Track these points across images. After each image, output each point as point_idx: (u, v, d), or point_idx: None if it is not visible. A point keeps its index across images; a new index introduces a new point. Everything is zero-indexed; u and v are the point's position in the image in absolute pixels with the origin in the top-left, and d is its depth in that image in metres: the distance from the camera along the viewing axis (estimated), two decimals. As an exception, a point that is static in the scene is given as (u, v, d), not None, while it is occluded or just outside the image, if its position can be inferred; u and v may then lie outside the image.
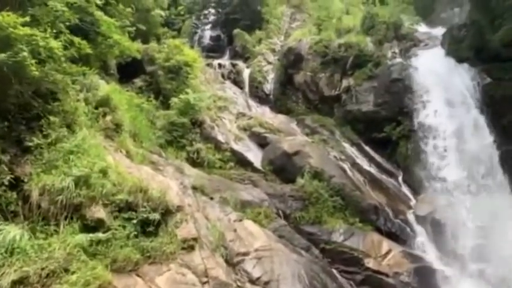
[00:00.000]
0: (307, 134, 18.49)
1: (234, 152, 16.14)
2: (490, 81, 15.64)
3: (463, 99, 16.01)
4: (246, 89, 23.61)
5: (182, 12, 30.89)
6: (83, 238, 7.72)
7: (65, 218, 8.01)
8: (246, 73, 24.30)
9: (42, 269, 6.88)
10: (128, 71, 18.13)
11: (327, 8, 25.81)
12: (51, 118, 9.05)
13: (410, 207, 15.00)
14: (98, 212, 8.38)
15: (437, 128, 16.07)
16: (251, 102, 22.41)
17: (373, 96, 18.35)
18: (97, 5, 13.15)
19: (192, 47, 24.50)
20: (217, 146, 16.11)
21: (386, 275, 11.96)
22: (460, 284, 12.25)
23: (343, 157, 16.74)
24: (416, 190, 15.77)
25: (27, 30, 8.38)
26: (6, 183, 7.74)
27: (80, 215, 8.22)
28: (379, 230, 13.35)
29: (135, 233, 8.54)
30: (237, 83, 24.06)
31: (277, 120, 19.86)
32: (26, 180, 8.12)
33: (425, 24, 21.79)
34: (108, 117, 11.81)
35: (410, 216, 14.34)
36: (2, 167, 7.81)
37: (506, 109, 14.79)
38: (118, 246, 8.09)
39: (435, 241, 13.49)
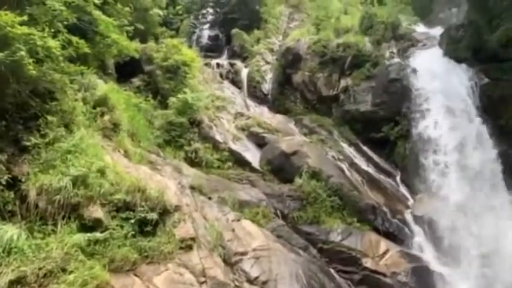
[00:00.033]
0: (305, 134, 18.51)
1: (232, 152, 16.15)
2: (487, 82, 15.67)
3: (464, 106, 15.70)
4: (244, 88, 23.59)
5: (180, 12, 30.86)
6: (81, 238, 7.70)
7: (63, 218, 8.00)
8: (244, 73, 24.26)
9: (40, 268, 6.87)
10: (126, 70, 18.11)
11: (325, 8, 25.84)
12: (49, 117, 9.03)
13: (408, 207, 15.02)
14: (96, 211, 8.36)
15: (438, 142, 15.50)
16: (249, 102, 22.40)
17: (371, 96, 18.37)
18: (95, 4, 13.11)
19: (190, 46, 24.48)
20: (216, 146, 16.11)
21: (384, 275, 11.97)
22: (458, 284, 12.28)
23: (341, 157, 16.76)
24: (414, 190, 15.75)
25: (25, 29, 8.35)
26: (4, 182, 7.74)
27: (78, 214, 8.20)
28: (376, 230, 13.37)
29: (133, 232, 8.52)
30: (235, 82, 24.04)
31: (275, 120, 19.88)
32: (23, 179, 8.11)
33: (423, 25, 21.80)
34: (106, 117, 11.79)
35: (408, 216, 14.36)
36: (0, 167, 7.79)
37: (503, 109, 14.83)
38: (116, 246, 8.07)
39: (433, 241, 13.52)
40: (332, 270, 11.94)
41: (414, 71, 17.37)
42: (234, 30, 27.48)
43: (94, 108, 11.59)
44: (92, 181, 8.60)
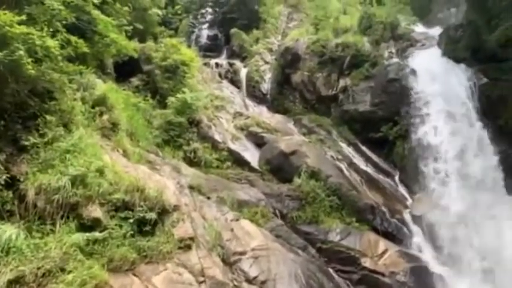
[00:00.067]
0: (304, 134, 18.53)
1: (231, 152, 16.14)
2: (486, 82, 15.69)
3: (465, 110, 15.55)
4: (243, 88, 23.61)
5: (179, 12, 30.86)
6: (80, 237, 7.69)
7: (61, 217, 7.98)
8: (243, 72, 24.28)
9: (38, 268, 6.85)
10: (125, 70, 18.10)
11: (324, 8, 25.82)
12: (48, 117, 9.02)
13: (406, 207, 15.03)
14: (95, 211, 8.35)
15: (438, 149, 15.29)
16: (248, 102, 22.41)
17: (370, 96, 18.38)
18: (94, 4, 13.08)
19: (189, 46, 24.49)
20: (214, 146, 16.11)
21: (383, 275, 11.99)
22: (456, 284, 12.29)
23: (340, 157, 16.78)
24: (412, 190, 15.77)
25: (23, 28, 8.33)
26: (2, 182, 7.72)
27: (77, 214, 8.18)
28: (375, 230, 13.37)
29: (132, 232, 8.51)
30: (234, 82, 24.06)
31: (274, 119, 19.88)
32: (22, 179, 8.09)
33: (422, 25, 21.81)
34: (105, 117, 11.76)
35: (407, 216, 14.37)
36: (-2, 166, 7.79)
37: (502, 109, 14.85)
38: (114, 246, 8.06)
39: (431, 241, 13.53)
40: (331, 270, 11.94)
41: (413, 72, 17.30)
42: (233, 30, 27.50)
43: (93, 107, 11.56)
44: (90, 181, 8.59)
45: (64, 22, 10.81)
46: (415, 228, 13.95)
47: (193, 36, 29.36)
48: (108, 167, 9.36)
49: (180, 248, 8.95)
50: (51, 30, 9.81)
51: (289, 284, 9.93)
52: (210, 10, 30.98)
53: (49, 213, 7.95)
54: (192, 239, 9.30)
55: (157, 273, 8.22)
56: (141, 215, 8.79)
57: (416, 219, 14.15)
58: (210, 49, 28.20)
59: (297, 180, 14.19)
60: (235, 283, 9.26)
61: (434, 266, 12.71)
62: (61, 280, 6.89)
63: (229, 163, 15.69)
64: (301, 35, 23.35)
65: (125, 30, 16.46)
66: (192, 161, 15.00)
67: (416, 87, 16.84)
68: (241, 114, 19.54)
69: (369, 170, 16.90)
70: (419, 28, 21.47)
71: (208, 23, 30.38)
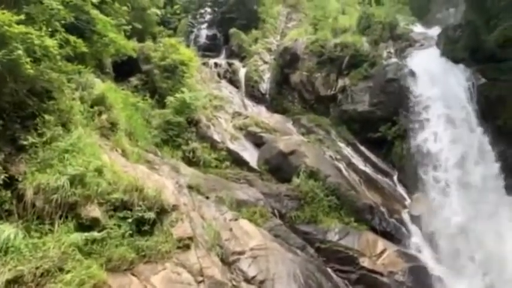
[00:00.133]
0: (303, 134, 18.53)
1: (229, 152, 16.14)
2: (485, 82, 15.67)
3: (465, 115, 15.39)
4: (242, 88, 23.60)
5: (178, 11, 30.81)
6: (78, 237, 7.69)
7: (60, 217, 7.98)
8: (242, 72, 24.27)
9: (37, 268, 6.85)
10: (124, 69, 18.08)
11: (323, 8, 25.79)
12: (46, 117, 9.02)
13: (405, 207, 15.03)
14: (93, 211, 8.36)
15: (438, 157, 15.01)
16: (247, 102, 22.41)
17: (369, 96, 18.38)
18: (93, 4, 13.09)
19: (188, 46, 24.41)
20: (213, 145, 16.10)
21: (381, 274, 12.00)
22: (455, 283, 12.31)
23: (338, 157, 16.79)
24: (411, 190, 15.77)
25: (22, 28, 8.34)
26: (1, 182, 7.72)
27: (75, 214, 8.18)
28: (374, 230, 13.37)
29: (131, 232, 8.51)
30: (233, 82, 24.05)
31: (273, 119, 19.87)
32: (20, 179, 8.09)
33: (420, 25, 21.80)
34: (104, 116, 11.77)
35: (405, 216, 14.37)
36: (-4, 166, 7.78)
37: (501, 110, 14.84)
38: (113, 245, 8.06)
39: (430, 240, 13.56)
40: (329, 270, 11.95)
41: (412, 73, 17.21)
42: (232, 30, 27.48)
43: (91, 107, 11.57)
44: (89, 180, 8.59)
45: (63, 22, 10.82)
46: (413, 228, 13.96)
47: (192, 36, 29.31)
48: (107, 166, 9.36)
49: (178, 247, 8.95)
50: (49, 29, 9.82)
51: (288, 283, 9.94)
52: (209, 10, 30.95)
53: (47, 213, 7.95)
54: (190, 238, 9.30)
55: (156, 272, 8.22)
56: (140, 214, 8.80)
57: (415, 219, 14.17)
58: (209, 49, 28.17)
59: (296, 180, 14.19)
60: (234, 283, 9.27)
61: (433, 266, 12.72)
62: (59, 280, 6.89)
63: (228, 163, 15.68)
64: (300, 35, 23.33)
65: (124, 29, 16.49)
66: (191, 161, 15.00)
67: (416, 90, 16.73)
68: (240, 114, 19.54)
69: (368, 170, 16.91)
70: (418, 28, 21.47)
71: (207, 23, 30.34)
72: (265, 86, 23.36)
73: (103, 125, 11.62)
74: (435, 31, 19.61)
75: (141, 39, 21.45)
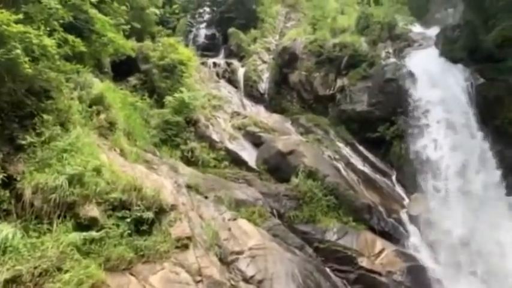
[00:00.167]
0: (301, 134, 18.55)
1: (228, 151, 16.14)
2: (483, 82, 15.71)
3: (465, 120, 15.25)
4: (241, 88, 23.62)
5: (177, 11, 30.83)
6: (76, 237, 7.68)
7: (58, 217, 7.98)
8: (240, 72, 24.29)
9: (35, 267, 6.84)
10: (122, 69, 18.06)
11: (322, 8, 25.85)
12: (45, 116, 9.02)
13: (403, 207, 15.06)
14: (92, 210, 8.35)
15: (438, 165, 14.79)
16: (246, 102, 22.42)
17: (367, 96, 18.41)
18: (91, 3, 13.07)
19: (186, 45, 24.44)
20: (212, 145, 16.10)
21: (380, 274, 12.01)
22: (453, 283, 12.32)
23: (337, 156, 16.81)
24: (409, 189, 15.79)
25: (20, 27, 8.34)
26: (-1, 181, 7.71)
27: (74, 213, 8.18)
28: (372, 229, 13.39)
29: (129, 231, 8.50)
30: (232, 82, 24.06)
31: (271, 119, 19.89)
32: (18, 178, 8.09)
33: (419, 25, 21.87)
34: (102, 116, 11.76)
35: (404, 216, 14.41)
36: (-5, 165, 7.78)
37: (499, 110, 14.86)
38: (111, 245, 8.06)
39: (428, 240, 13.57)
40: (328, 269, 11.96)
41: (411, 75, 17.17)
42: (231, 30, 27.52)
43: (90, 107, 11.56)
44: (87, 180, 8.58)
45: (61, 21, 10.83)
46: (411, 228, 13.98)
47: (191, 36, 29.34)
48: (105, 166, 9.36)
49: (177, 247, 8.95)
50: (48, 29, 9.83)
51: (286, 283, 9.93)
52: (207, 9, 30.98)
53: (46, 213, 7.94)
54: (189, 238, 9.30)
55: (154, 272, 8.22)
56: (138, 214, 8.80)
57: (413, 219, 14.18)
58: (208, 48, 28.20)
59: (295, 180, 14.19)
60: (233, 282, 9.26)
61: (431, 266, 12.75)
62: (58, 279, 6.88)
63: (226, 162, 15.68)
64: (299, 35, 23.38)
65: (123, 29, 16.47)
66: (190, 161, 14.99)
67: (415, 93, 16.69)
68: (238, 114, 19.55)
69: (366, 169, 16.94)
70: (416, 28, 21.53)
71: (206, 23, 30.36)
72: (263, 86, 23.38)
73: (101, 124, 11.61)
74: (434, 31, 19.67)
75: (139, 39, 21.44)
